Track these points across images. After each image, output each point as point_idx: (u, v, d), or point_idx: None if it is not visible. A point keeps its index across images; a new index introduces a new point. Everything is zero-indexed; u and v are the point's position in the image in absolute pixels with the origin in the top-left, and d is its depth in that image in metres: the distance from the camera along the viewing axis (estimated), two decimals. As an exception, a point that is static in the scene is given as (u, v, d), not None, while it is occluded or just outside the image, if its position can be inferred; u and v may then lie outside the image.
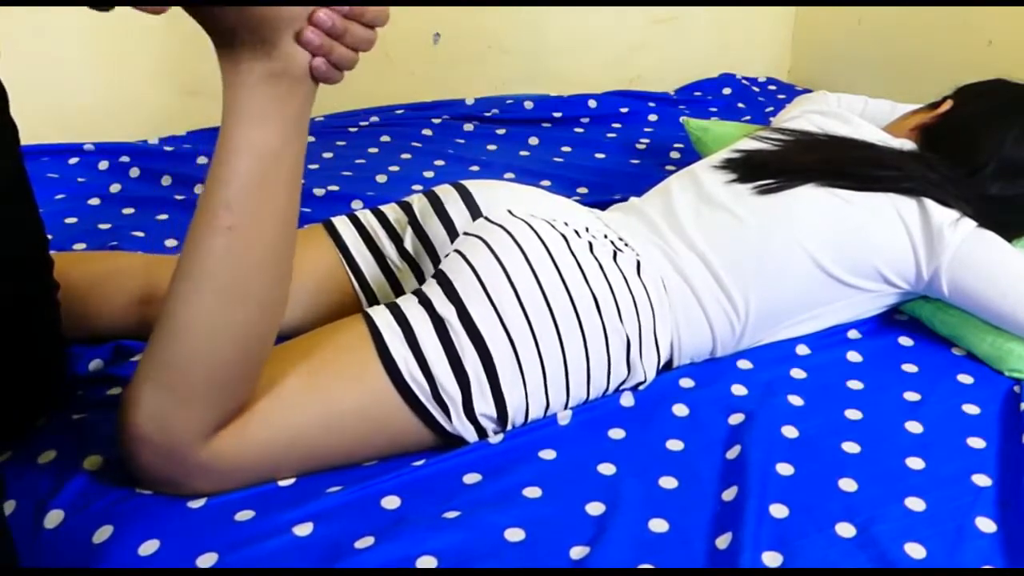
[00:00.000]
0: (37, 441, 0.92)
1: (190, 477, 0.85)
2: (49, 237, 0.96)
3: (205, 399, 0.82)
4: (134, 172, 1.52)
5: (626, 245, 1.08)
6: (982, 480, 0.94)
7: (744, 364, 1.11)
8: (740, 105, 2.00)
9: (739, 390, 1.06)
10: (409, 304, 0.96)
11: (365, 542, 0.83)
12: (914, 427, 1.02)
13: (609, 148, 1.74)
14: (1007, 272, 1.10)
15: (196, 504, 0.86)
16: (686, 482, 0.93)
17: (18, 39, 1.60)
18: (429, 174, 1.58)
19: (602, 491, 0.91)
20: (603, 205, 1.28)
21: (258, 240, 0.80)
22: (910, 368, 1.12)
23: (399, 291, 1.11)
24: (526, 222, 1.02)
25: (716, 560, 0.84)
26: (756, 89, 2.09)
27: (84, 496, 0.85)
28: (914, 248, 1.11)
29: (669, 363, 1.10)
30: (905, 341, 1.17)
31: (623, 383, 1.04)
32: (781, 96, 2.05)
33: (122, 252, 1.21)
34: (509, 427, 0.97)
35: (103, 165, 1.53)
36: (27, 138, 0.92)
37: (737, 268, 1.09)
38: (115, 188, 1.48)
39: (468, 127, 1.78)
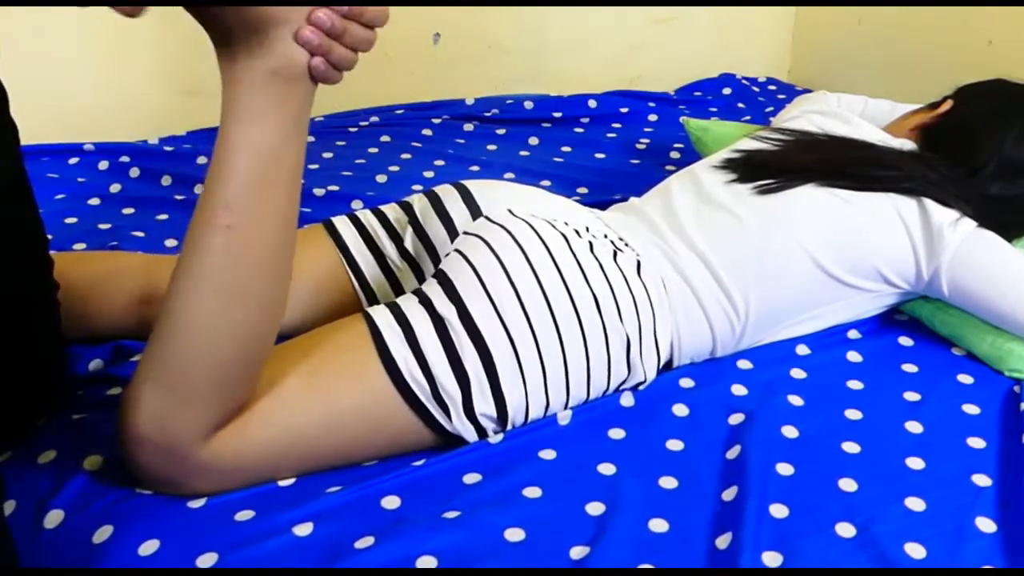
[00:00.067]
0: (37, 441, 0.92)
1: (190, 477, 0.85)
2: (49, 237, 0.96)
3: (205, 399, 0.82)
4: (134, 172, 1.52)
5: (626, 245, 1.08)
6: (982, 480, 0.94)
7: (744, 364, 1.11)
8: (740, 105, 2.00)
9: (739, 390, 1.06)
10: (409, 304, 0.96)
11: (365, 542, 0.83)
12: (914, 427, 1.02)
13: (609, 148, 1.74)
14: (1007, 272, 1.10)
15: (196, 504, 0.86)
16: (686, 482, 0.93)
17: (18, 39, 1.60)
18: (429, 174, 1.58)
19: (602, 491, 0.91)
20: (603, 205, 1.28)
21: (257, 239, 0.80)
22: (910, 368, 1.12)
23: (399, 291, 1.11)
24: (526, 222, 1.02)
25: (716, 560, 0.84)
26: (756, 89, 2.09)
27: (84, 496, 0.85)
28: (914, 248, 1.11)
29: (669, 363, 1.10)
30: (905, 341, 1.17)
31: (623, 383, 1.04)
32: (781, 96, 2.05)
33: (122, 252, 1.21)
34: (509, 427, 0.97)
35: (103, 165, 1.53)
36: (27, 138, 0.92)
37: (737, 268, 1.09)
38: (115, 188, 1.48)
39: (468, 127, 1.78)
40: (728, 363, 1.11)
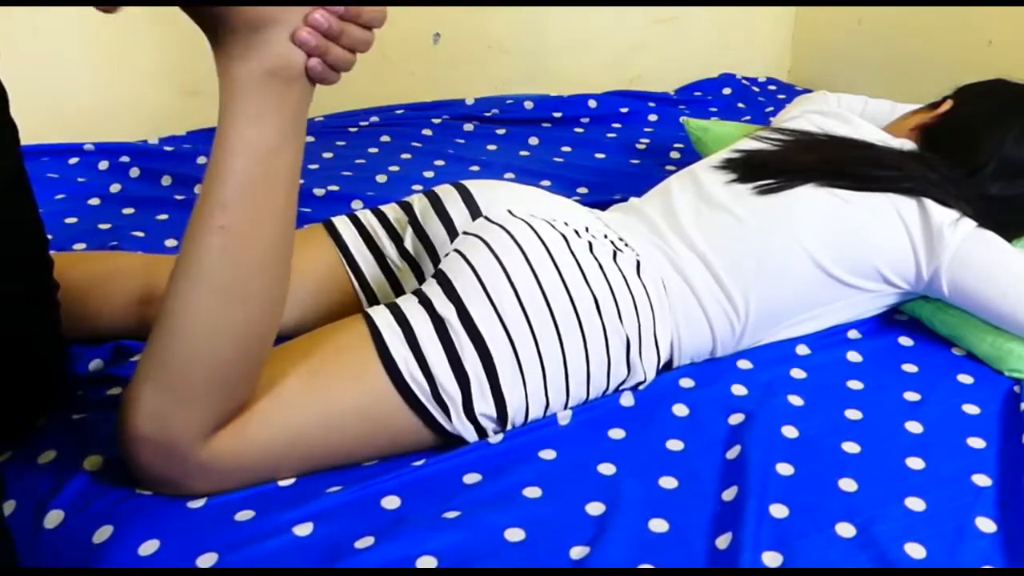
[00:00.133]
0: (37, 441, 0.92)
1: (190, 477, 0.85)
2: (49, 237, 0.96)
3: (205, 399, 0.82)
4: (134, 172, 1.53)
5: (626, 245, 1.08)
6: (982, 480, 0.94)
7: (744, 364, 1.11)
8: (740, 105, 2.00)
9: (739, 390, 1.06)
10: (409, 304, 0.96)
11: (365, 542, 0.83)
12: (914, 427, 1.02)
13: (609, 148, 1.74)
14: (1007, 272, 1.10)
15: (196, 504, 0.86)
16: (686, 482, 0.93)
17: (18, 39, 1.60)
18: (429, 174, 1.58)
19: (602, 491, 0.91)
20: (603, 205, 1.28)
21: (256, 240, 0.80)
22: (910, 368, 1.12)
23: (399, 291, 1.11)
24: (526, 222, 1.02)
25: (716, 560, 0.84)
26: (756, 89, 2.09)
27: (84, 496, 0.85)
28: (914, 248, 1.11)
29: (669, 363, 1.10)
30: (905, 341, 1.17)
31: (623, 383, 1.04)
32: (781, 96, 2.05)
33: (122, 252, 1.21)
34: (509, 427, 0.97)
35: (103, 165, 1.53)
36: (27, 138, 0.92)
37: (737, 268, 1.09)
38: (115, 188, 1.48)
39: (468, 127, 1.78)
40: (728, 363, 1.11)
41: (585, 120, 1.85)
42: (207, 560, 0.80)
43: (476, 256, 0.98)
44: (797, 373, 1.10)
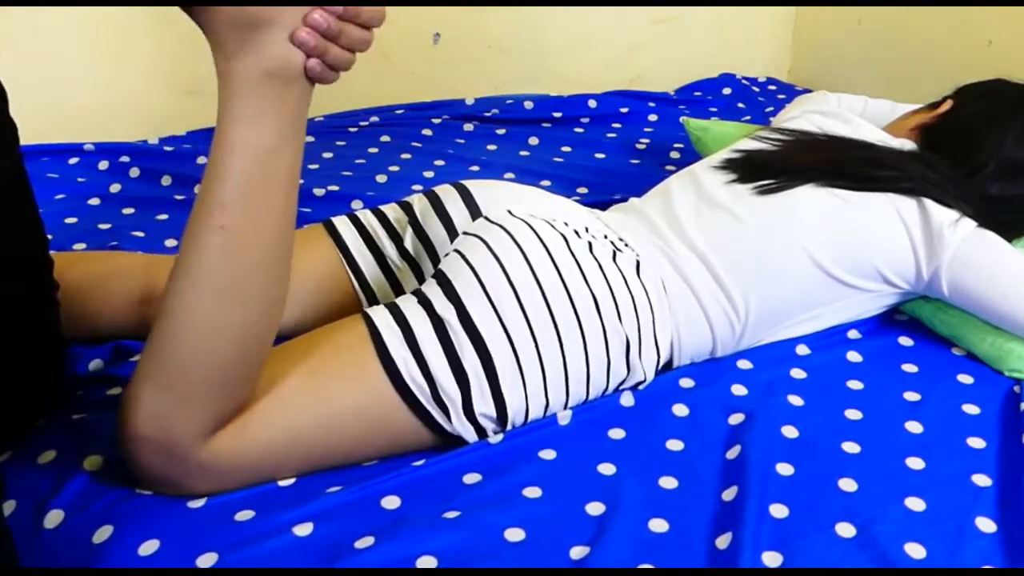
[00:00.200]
0: (37, 441, 0.92)
1: (190, 477, 0.85)
2: (49, 237, 0.96)
3: (204, 398, 0.82)
4: (134, 172, 1.53)
5: (626, 245, 1.08)
6: (982, 480, 0.94)
7: (744, 364, 1.11)
8: (740, 105, 2.00)
9: (739, 390, 1.06)
10: (409, 304, 0.96)
11: (365, 542, 0.83)
12: (914, 427, 1.02)
13: (609, 148, 1.74)
14: (1007, 272, 1.10)
15: (196, 504, 0.86)
16: (686, 482, 0.93)
17: (17, 39, 1.60)
18: (429, 174, 1.58)
19: (602, 491, 0.91)
20: (603, 205, 1.28)
21: (255, 240, 0.80)
22: (910, 368, 1.12)
23: (399, 291, 1.11)
24: (526, 222, 1.02)
25: (716, 560, 0.84)
26: (756, 89, 2.09)
27: (84, 496, 0.85)
28: (914, 248, 1.11)
29: (669, 363, 1.10)
30: (905, 341, 1.17)
31: (623, 383, 1.04)
32: (781, 96, 2.05)
33: (122, 252, 1.21)
34: (509, 427, 0.97)
35: (103, 165, 1.53)
36: (27, 138, 0.92)
37: (737, 268, 1.09)
38: (115, 188, 1.48)
39: (468, 127, 1.78)
40: (728, 363, 1.11)
41: (585, 120, 1.85)
42: (207, 560, 0.80)
43: (476, 256, 0.98)
44: (797, 373, 1.10)
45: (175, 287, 0.80)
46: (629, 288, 1.02)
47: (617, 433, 0.99)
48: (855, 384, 1.09)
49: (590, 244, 1.03)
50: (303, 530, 0.84)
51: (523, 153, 1.70)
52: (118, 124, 1.70)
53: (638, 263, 1.05)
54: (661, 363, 1.07)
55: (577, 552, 0.84)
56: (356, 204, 1.43)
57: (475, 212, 1.07)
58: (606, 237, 1.07)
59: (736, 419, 1.01)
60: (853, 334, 1.17)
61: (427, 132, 1.74)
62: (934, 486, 0.93)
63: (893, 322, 1.21)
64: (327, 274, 1.11)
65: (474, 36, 1.98)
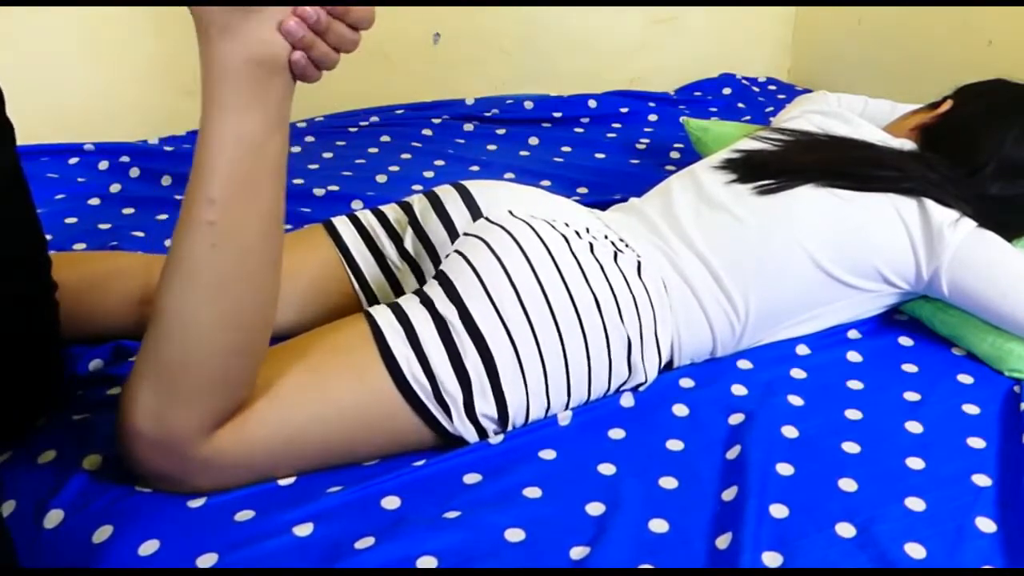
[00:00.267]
0: (37, 441, 0.92)
1: (189, 473, 0.85)
2: (48, 237, 0.95)
3: (201, 395, 0.82)
4: (134, 172, 1.53)
5: (626, 246, 1.08)
6: (982, 480, 0.94)
7: (744, 364, 1.11)
8: (740, 105, 2.00)
9: (739, 390, 1.06)
10: (411, 304, 0.96)
11: (365, 542, 0.83)
12: (914, 427, 1.02)
13: (609, 148, 1.74)
14: (1007, 272, 1.10)
15: (196, 504, 0.86)
16: (686, 482, 0.93)
17: (17, 39, 1.60)
18: (429, 174, 1.58)
19: (602, 491, 0.91)
20: (603, 205, 1.28)
21: (245, 235, 0.79)
22: (910, 368, 1.12)
23: (399, 291, 1.11)
24: (526, 222, 1.02)
25: (716, 560, 0.84)
26: (756, 89, 2.09)
27: (84, 496, 0.85)
28: (914, 248, 1.11)
29: (669, 363, 1.10)
30: (905, 341, 1.17)
31: (624, 384, 1.04)
32: (781, 96, 2.05)
33: (122, 252, 1.21)
34: (510, 427, 0.97)
35: (103, 165, 1.53)
36: (26, 138, 0.91)
37: (737, 268, 1.09)
38: (115, 188, 1.48)
39: (468, 127, 1.78)
40: (728, 363, 1.11)
41: (585, 120, 1.85)
42: (207, 560, 0.80)
43: (477, 257, 0.98)
44: (797, 373, 1.10)
45: (168, 284, 0.80)
46: (630, 288, 1.02)
47: (617, 433, 0.99)
48: (855, 384, 1.08)
49: (591, 245, 1.03)
50: (303, 530, 0.84)
51: (523, 153, 1.70)
52: (118, 124, 1.70)
53: (639, 264, 1.05)
54: (662, 363, 1.07)
55: (577, 552, 0.84)
56: (356, 204, 1.43)
57: (475, 212, 1.07)
58: (607, 238, 1.07)
59: (736, 419, 1.01)
60: (853, 334, 1.17)
61: (427, 132, 1.74)
62: (934, 486, 0.93)
63: (893, 322, 1.21)
64: (327, 274, 1.11)
65: (474, 36, 1.98)
